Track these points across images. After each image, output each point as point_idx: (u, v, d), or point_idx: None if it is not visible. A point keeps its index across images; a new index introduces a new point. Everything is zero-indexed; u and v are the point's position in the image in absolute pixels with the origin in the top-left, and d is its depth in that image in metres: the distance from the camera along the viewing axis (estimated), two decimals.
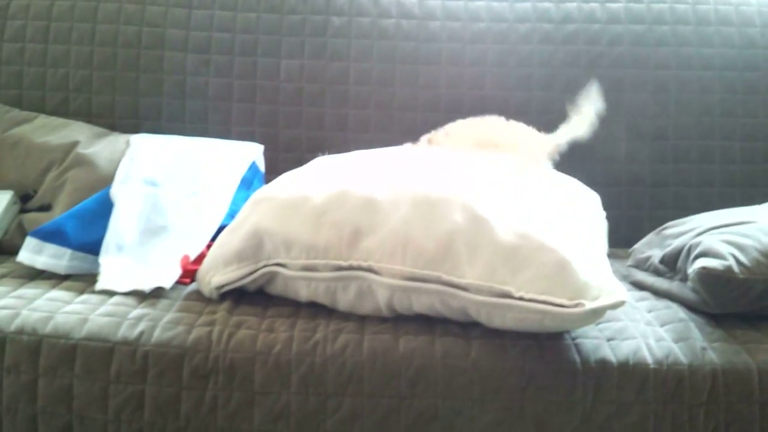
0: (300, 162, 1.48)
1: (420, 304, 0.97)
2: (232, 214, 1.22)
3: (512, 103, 1.51)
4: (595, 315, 0.90)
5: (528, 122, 1.50)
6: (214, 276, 1.03)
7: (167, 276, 1.05)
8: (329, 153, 1.50)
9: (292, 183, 1.06)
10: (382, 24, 1.51)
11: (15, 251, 1.24)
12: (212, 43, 1.48)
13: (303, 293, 1.01)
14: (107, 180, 1.23)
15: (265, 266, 1.01)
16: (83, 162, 1.27)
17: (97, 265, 1.11)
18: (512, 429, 0.93)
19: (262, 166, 1.39)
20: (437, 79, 1.50)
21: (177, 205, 1.16)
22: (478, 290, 0.92)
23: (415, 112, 1.50)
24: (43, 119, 1.40)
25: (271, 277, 1.02)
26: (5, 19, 1.46)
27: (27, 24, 1.46)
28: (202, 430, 0.93)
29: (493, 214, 0.96)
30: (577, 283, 0.90)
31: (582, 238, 0.99)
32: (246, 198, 1.27)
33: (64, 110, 1.45)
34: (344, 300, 1.00)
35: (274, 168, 1.46)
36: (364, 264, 0.96)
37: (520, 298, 0.90)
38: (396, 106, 1.50)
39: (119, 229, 1.11)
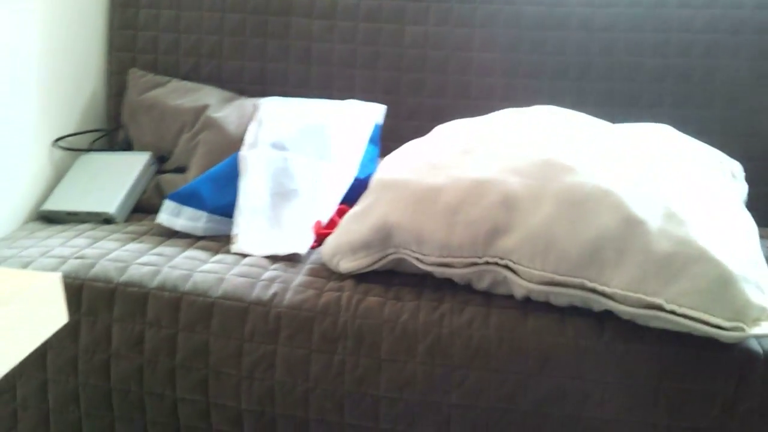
0: (421, 130, 1.48)
1: (558, 302, 0.94)
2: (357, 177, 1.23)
3: (646, 68, 1.43)
4: (751, 338, 0.82)
5: (663, 90, 1.43)
6: (342, 261, 1.00)
7: (302, 242, 1.07)
8: (451, 121, 1.49)
9: (420, 166, 1.00)
10: None
11: (153, 210, 1.31)
12: (337, 10, 1.48)
13: (435, 274, 1.00)
14: (237, 143, 1.27)
15: (395, 254, 0.98)
16: (213, 125, 1.31)
17: (229, 227, 1.15)
18: (644, 415, 0.90)
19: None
20: (565, 45, 1.45)
21: (306, 169, 1.18)
22: (625, 300, 0.86)
23: (541, 80, 1.45)
24: (175, 83, 1.45)
25: (400, 260, 1.00)
26: None
27: None
28: (329, 393, 0.95)
29: (649, 213, 0.87)
30: (738, 301, 0.81)
31: (743, 240, 0.89)
32: (371, 160, 1.27)
33: (195, 75, 1.50)
34: (479, 286, 0.98)
35: (396, 136, 1.46)
36: (500, 261, 0.92)
37: (671, 312, 0.83)
38: (521, 74, 1.46)
39: (251, 192, 1.14)
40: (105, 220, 1.23)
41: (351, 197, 1.20)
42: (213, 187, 1.15)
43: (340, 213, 1.17)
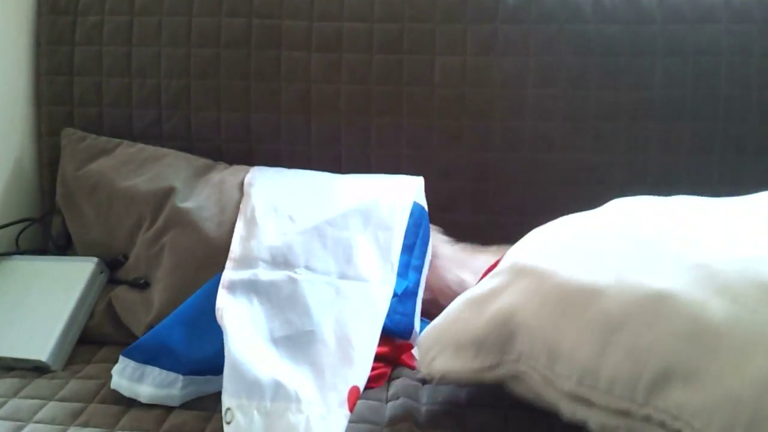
0: (460, 195, 1.12)
1: None
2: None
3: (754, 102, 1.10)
4: None
5: None
6: (439, 358, 0.76)
7: (330, 426, 0.71)
8: (499, 181, 1.14)
9: (575, 254, 0.73)
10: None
11: (104, 340, 0.94)
12: (343, 37, 1.11)
13: (563, 411, 0.69)
14: (219, 249, 0.90)
15: (514, 364, 0.72)
16: (183, 222, 0.93)
17: (218, 385, 0.78)
18: None
19: (422, 201, 1.02)
20: (650, 74, 1.09)
21: (325, 295, 0.82)
22: None
23: (617, 121, 1.10)
24: (126, 149, 1.07)
25: (516, 378, 0.73)
26: (75, 14, 1.14)
27: (103, 20, 1.13)
28: None
29: None
30: None
31: None
32: (411, 265, 0.92)
33: (155, 132, 1.13)
34: None
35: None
36: (670, 422, 0.62)
37: None
38: (590, 114, 1.11)
39: (245, 341, 0.77)
40: (36, 368, 0.87)
41: (389, 324, 0.85)
42: (188, 334, 0.79)
43: (383, 352, 0.83)
